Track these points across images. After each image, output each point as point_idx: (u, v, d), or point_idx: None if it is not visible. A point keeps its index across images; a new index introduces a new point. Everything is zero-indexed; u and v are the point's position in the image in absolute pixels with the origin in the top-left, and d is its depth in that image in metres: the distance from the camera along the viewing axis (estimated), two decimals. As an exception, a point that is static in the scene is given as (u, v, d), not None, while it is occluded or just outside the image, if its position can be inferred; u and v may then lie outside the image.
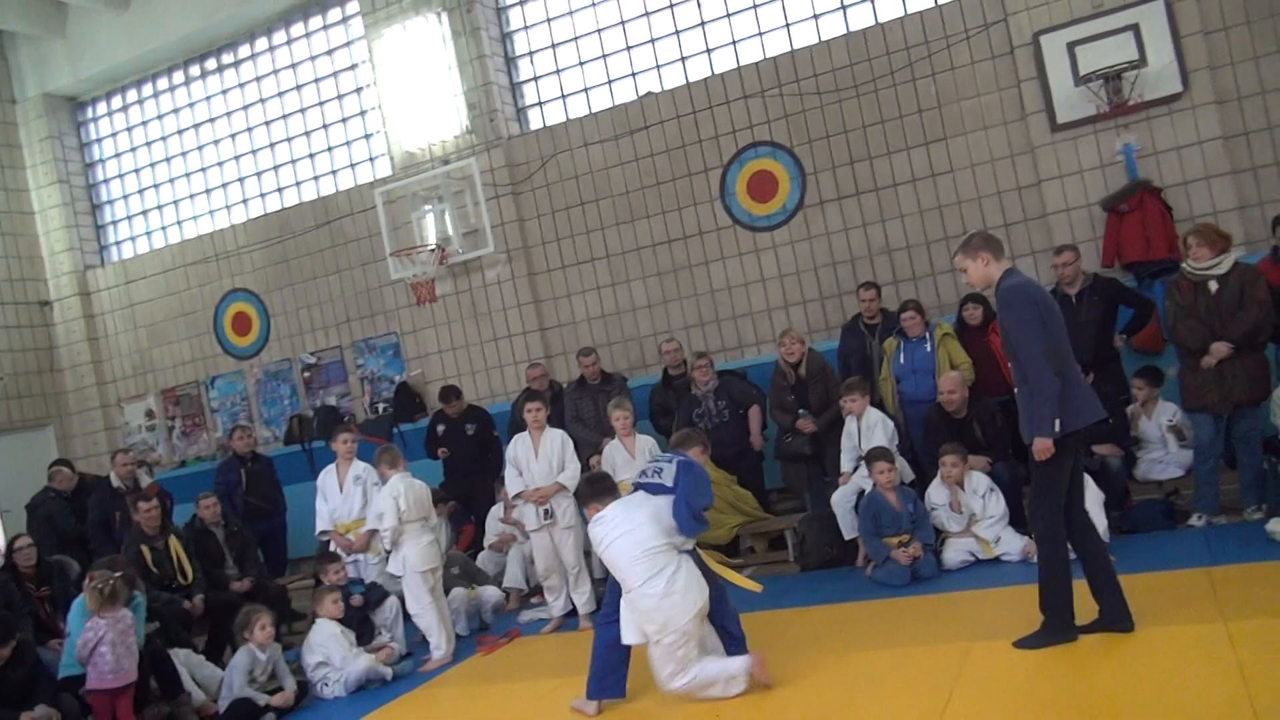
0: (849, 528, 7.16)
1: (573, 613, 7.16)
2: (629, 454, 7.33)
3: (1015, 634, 4.89)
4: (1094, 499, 6.24)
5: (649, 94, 10.05)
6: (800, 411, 7.84)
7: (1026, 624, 4.91)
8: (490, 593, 7.69)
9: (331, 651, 6.49)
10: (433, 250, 10.12)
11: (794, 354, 7.89)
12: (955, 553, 6.69)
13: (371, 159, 11.51)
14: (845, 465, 7.44)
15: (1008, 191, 8.89)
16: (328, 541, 7.74)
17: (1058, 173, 8.56)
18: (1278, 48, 8.09)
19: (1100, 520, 6.19)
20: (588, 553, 7.69)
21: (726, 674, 4.87)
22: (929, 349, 7.70)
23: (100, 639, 5.77)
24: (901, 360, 7.79)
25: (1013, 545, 6.56)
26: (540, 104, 10.82)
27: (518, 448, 7.18)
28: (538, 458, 7.07)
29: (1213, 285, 6.40)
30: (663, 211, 10.01)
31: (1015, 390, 5.00)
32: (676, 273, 10.01)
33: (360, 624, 7.00)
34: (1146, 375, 7.20)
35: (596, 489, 5.37)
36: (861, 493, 7.10)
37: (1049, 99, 8.52)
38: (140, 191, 12.98)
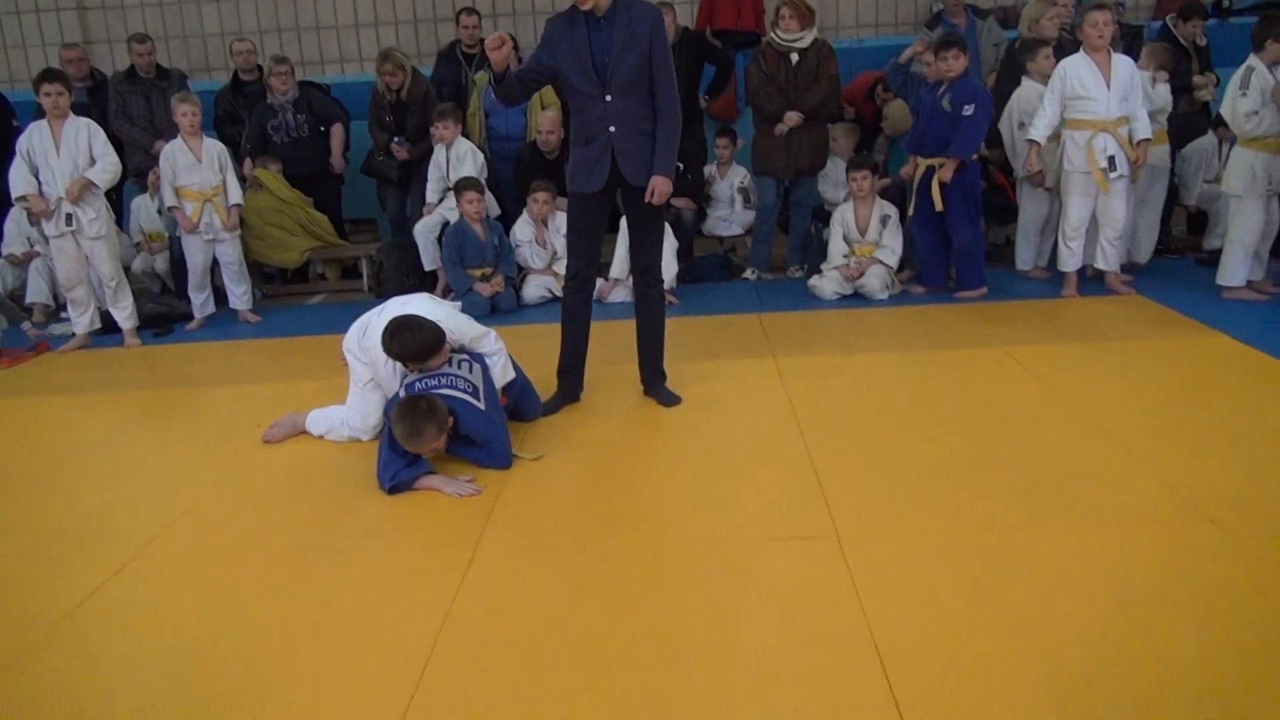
0: (430, 259, 7.00)
1: (110, 329, 6.42)
2: (194, 156, 6.49)
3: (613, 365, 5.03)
4: (669, 248, 6.60)
5: None
6: (396, 140, 7.36)
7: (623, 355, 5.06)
8: None
9: None
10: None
11: (396, 81, 7.29)
12: (534, 289, 6.80)
13: None
14: (431, 196, 7.19)
15: (616, -63, 8.71)
16: None
17: (665, -73, 8.49)
18: None
19: (672, 267, 6.58)
20: (127, 267, 6.94)
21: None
22: (521, 84, 7.50)
23: None
24: (493, 95, 7.52)
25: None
26: None
27: (32, 138, 6.01)
28: (59, 153, 6.00)
29: (794, 57, 6.77)
30: (240, -110, 8.72)
31: (610, 128, 4.22)
32: (253, -34, 8.87)
33: None
34: (729, 134, 7.60)
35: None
36: (446, 224, 6.93)
37: None
38: None
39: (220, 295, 6.95)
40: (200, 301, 6.79)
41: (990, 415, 4.18)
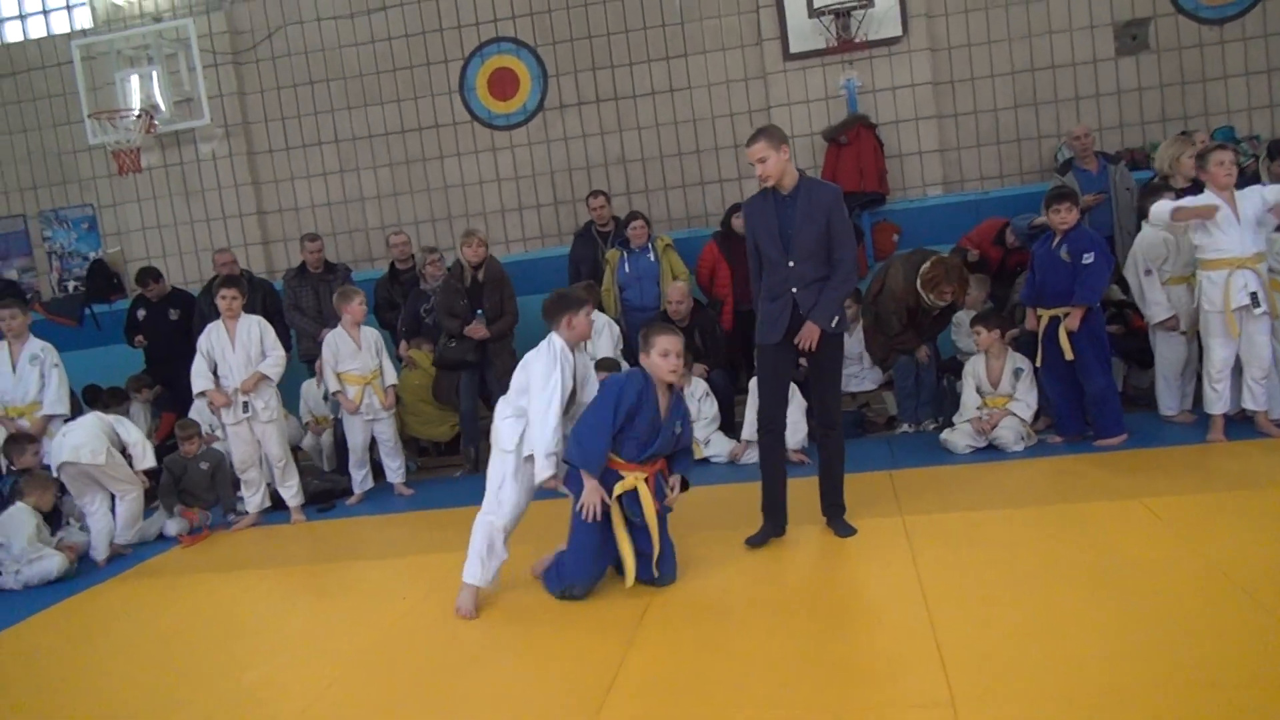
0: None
1: (280, 506, 6.95)
2: (355, 344, 7.08)
3: (725, 529, 5.15)
4: (798, 407, 6.70)
5: (389, -27, 9.57)
6: (478, 312, 7.46)
7: (735, 519, 5.20)
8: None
9: (14, 541, 5.95)
10: (138, 116, 9.24)
11: (479, 255, 7.44)
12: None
13: (69, 7, 10.32)
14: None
15: (739, 114, 9.20)
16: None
17: (786, 100, 8.93)
18: (984, 4, 8.79)
19: (802, 427, 6.67)
20: (296, 447, 7.51)
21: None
22: (652, 259, 7.96)
23: None
24: (626, 269, 7.98)
25: (721, 448, 6.95)
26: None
27: (211, 337, 6.79)
28: (235, 348, 6.73)
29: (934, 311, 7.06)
30: (398, 100, 9.65)
31: (792, 289, 4.77)
32: (409, 165, 9.72)
33: (48, 513, 6.46)
34: (854, 293, 7.73)
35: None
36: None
37: (784, 28, 8.84)
38: None
39: (378, 470, 7.41)
40: (360, 478, 7.26)
41: (1122, 573, 4.07)
